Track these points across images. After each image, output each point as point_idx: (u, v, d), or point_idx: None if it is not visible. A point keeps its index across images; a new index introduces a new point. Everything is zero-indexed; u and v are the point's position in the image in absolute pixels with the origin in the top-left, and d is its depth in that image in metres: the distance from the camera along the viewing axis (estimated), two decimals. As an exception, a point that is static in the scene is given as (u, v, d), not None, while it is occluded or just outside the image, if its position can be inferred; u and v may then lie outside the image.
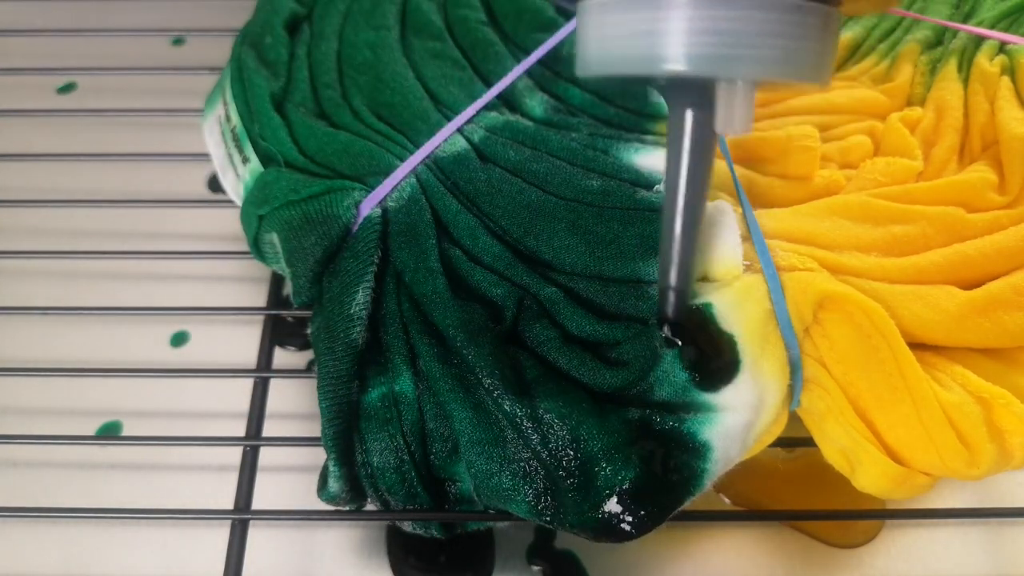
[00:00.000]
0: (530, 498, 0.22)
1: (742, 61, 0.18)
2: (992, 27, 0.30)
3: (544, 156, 0.27)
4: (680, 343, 0.22)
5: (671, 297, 0.22)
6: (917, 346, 0.23)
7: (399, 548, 0.27)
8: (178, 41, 0.44)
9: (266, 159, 0.28)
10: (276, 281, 0.33)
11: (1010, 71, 0.29)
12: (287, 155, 0.27)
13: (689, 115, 0.20)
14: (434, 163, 0.27)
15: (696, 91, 0.20)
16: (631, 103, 0.29)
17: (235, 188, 0.29)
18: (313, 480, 0.24)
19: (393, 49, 0.31)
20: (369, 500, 0.24)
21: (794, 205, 0.26)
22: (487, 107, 0.29)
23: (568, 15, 0.32)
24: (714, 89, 0.20)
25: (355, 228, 0.25)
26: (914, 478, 0.23)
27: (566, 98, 0.30)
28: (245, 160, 0.28)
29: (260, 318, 0.32)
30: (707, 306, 0.23)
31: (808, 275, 0.23)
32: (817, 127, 0.27)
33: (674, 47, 0.18)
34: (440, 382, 0.23)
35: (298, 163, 0.27)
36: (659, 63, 0.18)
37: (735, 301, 0.23)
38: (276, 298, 0.32)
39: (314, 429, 0.24)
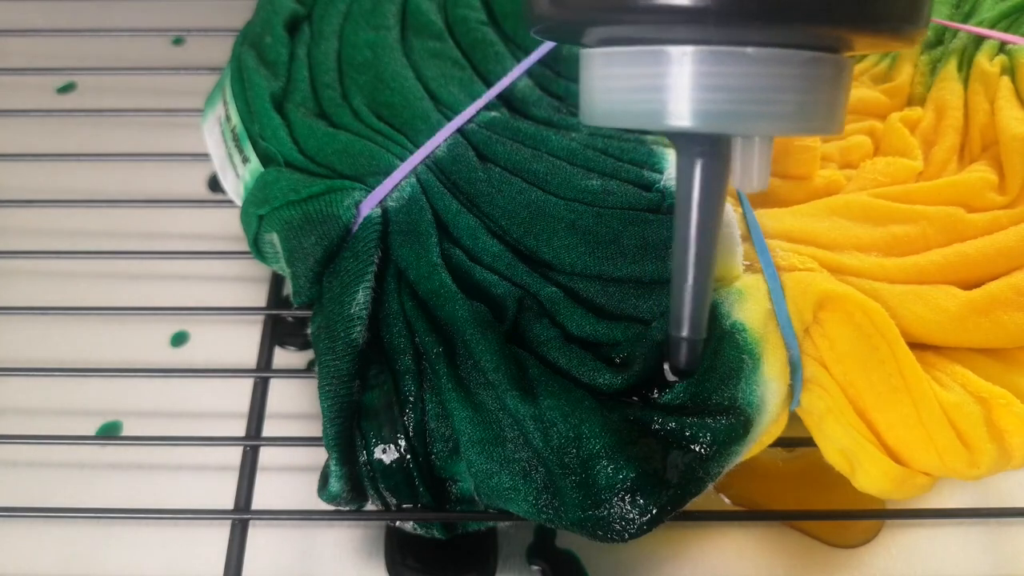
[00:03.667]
0: (530, 497, 0.22)
1: (755, 118, 0.17)
2: (992, 27, 0.30)
3: (544, 156, 0.27)
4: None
5: (684, 347, 0.21)
6: (917, 346, 0.23)
7: (397, 549, 0.27)
8: (178, 41, 0.44)
9: (266, 159, 0.28)
10: (276, 281, 0.33)
11: (1010, 71, 0.29)
12: (287, 155, 0.27)
13: (699, 164, 0.19)
14: (434, 163, 0.27)
15: (707, 141, 0.19)
16: (631, 103, 0.29)
17: (235, 188, 0.29)
18: (313, 480, 0.24)
19: (393, 49, 0.31)
20: (370, 500, 0.24)
21: (794, 205, 0.26)
22: (487, 107, 0.29)
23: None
24: (726, 138, 0.19)
25: (355, 228, 0.25)
26: (914, 478, 0.23)
27: (566, 98, 0.30)
28: (245, 160, 0.28)
29: (260, 318, 0.32)
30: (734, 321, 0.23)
31: (808, 275, 0.23)
32: (817, 127, 0.27)
33: (683, 103, 0.17)
34: (442, 381, 0.23)
35: (298, 163, 0.27)
36: (669, 119, 0.17)
37: (735, 301, 0.23)
38: (276, 298, 0.32)
39: (314, 429, 0.24)
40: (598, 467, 0.21)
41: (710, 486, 0.23)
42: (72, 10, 0.45)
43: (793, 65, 0.17)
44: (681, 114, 0.17)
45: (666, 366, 0.22)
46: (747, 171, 0.19)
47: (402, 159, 0.27)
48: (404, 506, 0.24)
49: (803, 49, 0.17)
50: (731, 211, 0.25)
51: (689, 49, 0.17)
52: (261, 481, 0.27)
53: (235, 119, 0.29)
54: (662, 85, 0.17)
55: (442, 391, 0.23)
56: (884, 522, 0.28)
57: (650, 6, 0.16)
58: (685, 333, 0.21)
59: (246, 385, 0.29)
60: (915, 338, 0.23)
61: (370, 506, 0.24)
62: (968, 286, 0.24)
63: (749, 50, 0.16)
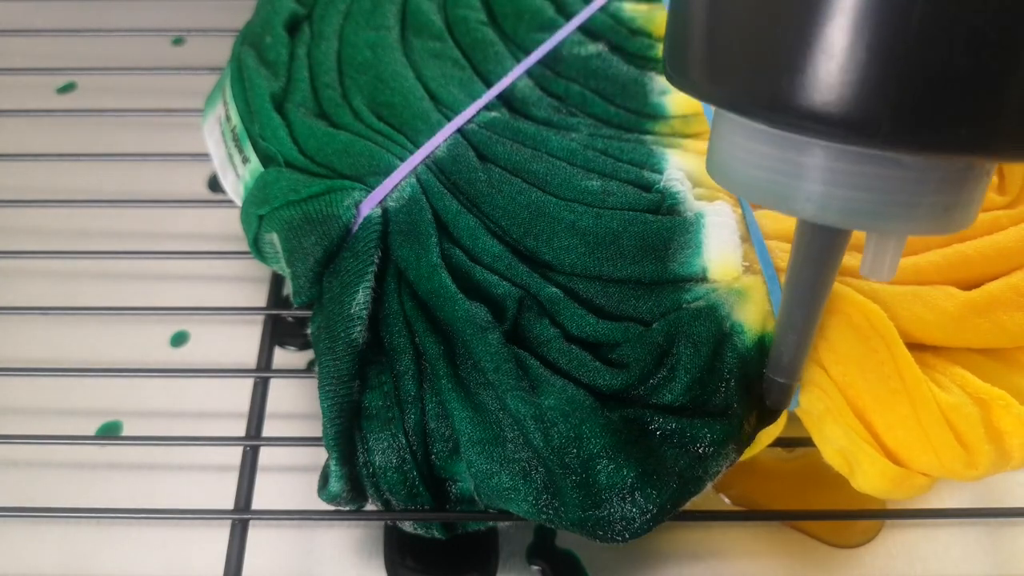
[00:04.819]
0: (530, 497, 0.22)
1: (898, 219, 0.16)
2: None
3: (544, 156, 0.27)
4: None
5: (778, 389, 0.22)
6: (916, 347, 0.23)
7: (397, 549, 0.27)
8: (178, 41, 0.44)
9: (266, 159, 0.28)
10: (276, 281, 0.33)
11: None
12: (287, 155, 0.27)
13: (820, 233, 0.19)
14: (434, 163, 0.27)
15: None
16: (631, 103, 0.29)
17: (235, 188, 0.29)
18: (313, 480, 0.24)
19: (393, 49, 0.31)
20: (369, 500, 0.24)
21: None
22: (487, 107, 0.29)
23: (568, 15, 0.32)
24: None
25: (355, 228, 0.25)
26: (912, 479, 0.23)
27: (566, 98, 0.30)
28: (245, 160, 0.28)
29: (260, 318, 0.32)
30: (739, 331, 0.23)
31: (808, 275, 0.23)
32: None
33: (829, 199, 0.16)
34: (442, 381, 0.23)
35: (298, 163, 0.27)
36: (812, 211, 0.16)
37: (735, 302, 0.23)
38: (276, 298, 0.32)
39: (314, 429, 0.24)
40: (598, 467, 0.21)
41: (710, 486, 0.23)
42: (72, 10, 0.45)
43: (945, 171, 0.16)
44: (825, 208, 0.16)
45: None
46: (878, 263, 0.18)
47: (402, 159, 0.27)
48: (404, 506, 0.24)
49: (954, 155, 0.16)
50: (731, 211, 0.25)
51: (840, 147, 0.16)
52: (261, 481, 0.27)
53: (235, 119, 0.29)
54: (809, 176, 0.16)
55: (442, 391, 0.23)
56: (884, 522, 0.28)
57: (822, 115, 0.15)
58: (782, 379, 0.22)
59: (246, 385, 0.29)
60: (914, 339, 0.23)
61: (370, 506, 0.24)
62: (967, 286, 0.24)
63: (906, 158, 0.16)
